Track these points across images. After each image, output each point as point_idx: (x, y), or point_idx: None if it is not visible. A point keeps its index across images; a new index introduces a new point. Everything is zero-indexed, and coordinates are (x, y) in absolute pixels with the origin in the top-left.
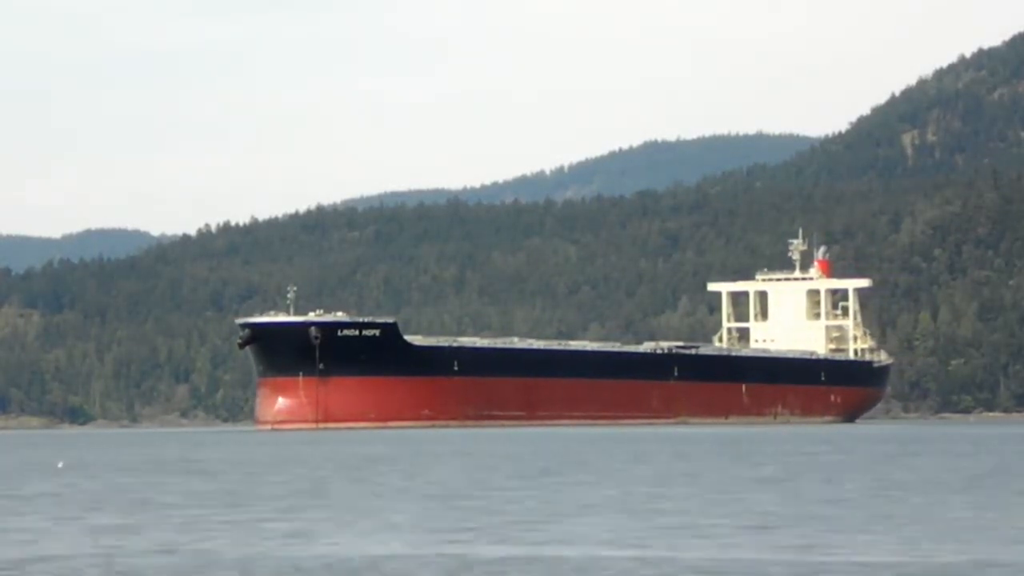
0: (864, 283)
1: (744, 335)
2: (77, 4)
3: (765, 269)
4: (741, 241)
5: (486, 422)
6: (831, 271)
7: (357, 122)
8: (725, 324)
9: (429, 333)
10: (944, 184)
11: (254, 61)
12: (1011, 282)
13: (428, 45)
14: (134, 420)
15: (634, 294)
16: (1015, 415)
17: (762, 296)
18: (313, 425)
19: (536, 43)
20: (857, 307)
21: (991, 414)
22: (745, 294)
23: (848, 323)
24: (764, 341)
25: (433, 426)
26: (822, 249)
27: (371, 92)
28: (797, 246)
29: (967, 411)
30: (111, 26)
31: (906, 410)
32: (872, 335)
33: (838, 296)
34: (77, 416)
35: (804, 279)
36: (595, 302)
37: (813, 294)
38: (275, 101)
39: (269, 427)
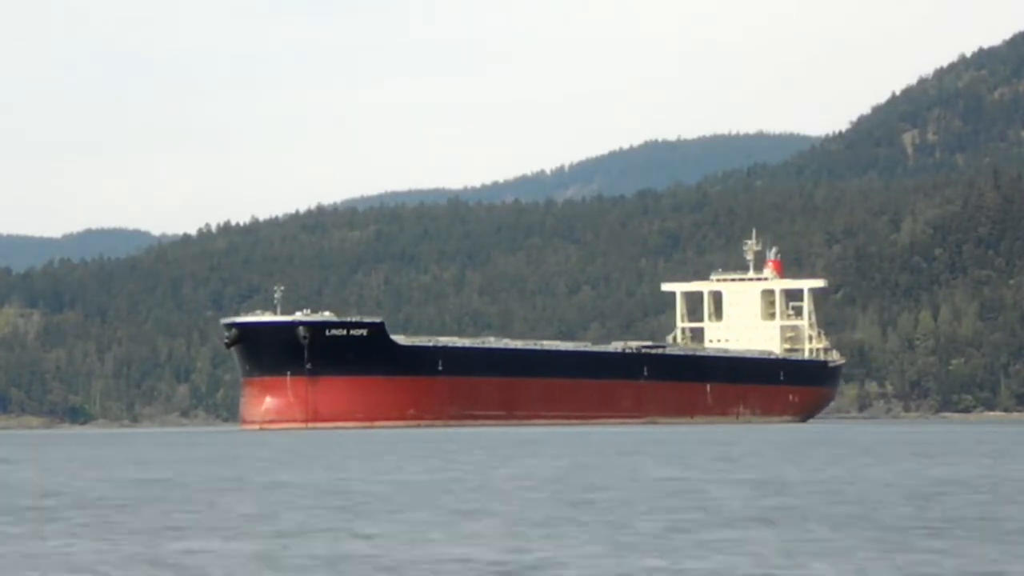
0: (819, 283)
1: (698, 335)
2: (79, 5)
3: (720, 269)
4: (741, 241)
5: (467, 422)
6: (784, 271)
7: (358, 122)
8: (679, 324)
9: (429, 333)
10: (944, 184)
11: (254, 63)
12: (1011, 281)
13: (428, 46)
14: (134, 420)
15: (634, 294)
16: (1015, 414)
17: (716, 296)
18: (302, 425)
19: (536, 44)
20: (812, 307)
21: (991, 413)
22: (700, 294)
23: (803, 323)
24: (719, 341)
25: (419, 426)
26: (774, 250)
27: (371, 93)
28: (751, 247)
29: (967, 410)
30: (113, 28)
31: (907, 409)
32: (825, 335)
33: (792, 296)
34: (77, 416)
35: (758, 279)
36: (595, 302)
37: (768, 294)
38: (275, 102)
39: (257, 427)
